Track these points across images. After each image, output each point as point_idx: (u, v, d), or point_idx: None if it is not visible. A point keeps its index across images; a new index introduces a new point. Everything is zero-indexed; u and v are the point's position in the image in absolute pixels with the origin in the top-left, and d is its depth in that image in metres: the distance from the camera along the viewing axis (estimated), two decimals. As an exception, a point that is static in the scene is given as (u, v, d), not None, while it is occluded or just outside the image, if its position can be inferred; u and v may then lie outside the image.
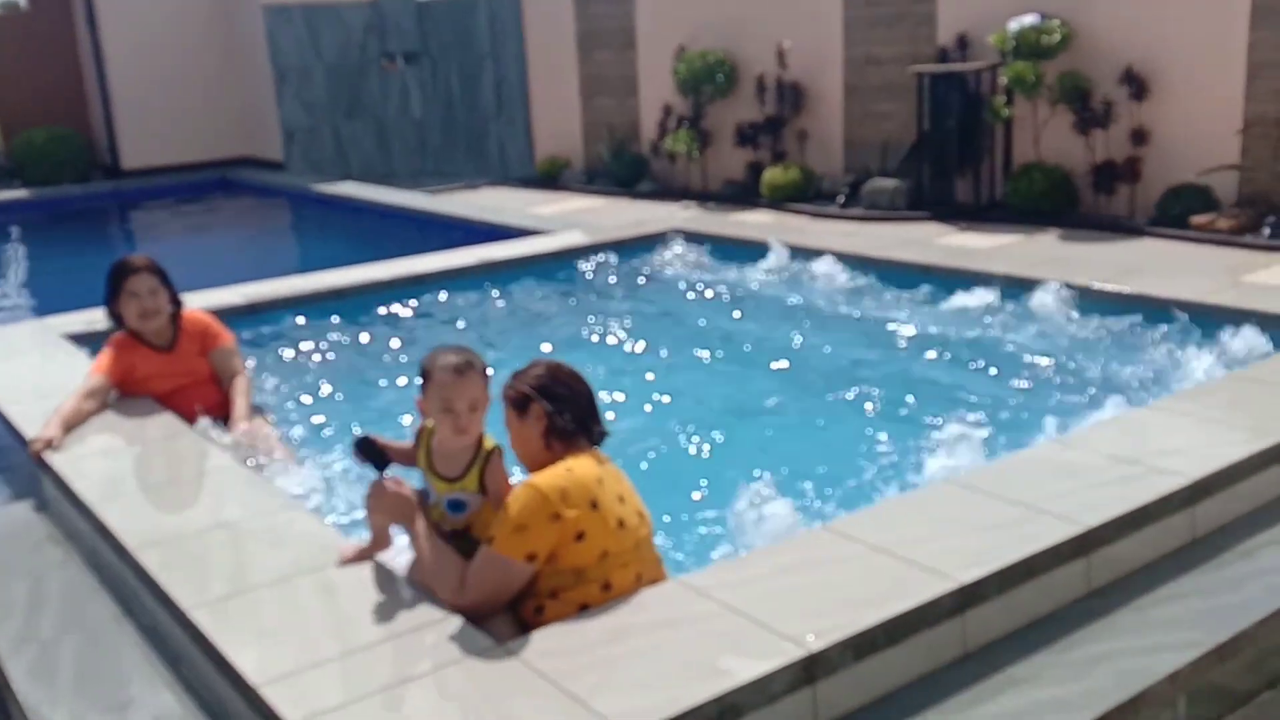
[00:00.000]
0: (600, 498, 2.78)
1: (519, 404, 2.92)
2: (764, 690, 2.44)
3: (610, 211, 10.71)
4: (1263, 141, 8.00)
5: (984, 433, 4.41)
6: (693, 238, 8.13)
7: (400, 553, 3.14)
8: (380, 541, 3.09)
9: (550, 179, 12.98)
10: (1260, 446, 3.53)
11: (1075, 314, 5.80)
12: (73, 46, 15.60)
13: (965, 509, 3.20)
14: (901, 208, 9.55)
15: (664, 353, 6.14)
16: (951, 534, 3.05)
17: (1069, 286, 6.00)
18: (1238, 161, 8.13)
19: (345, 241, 11.50)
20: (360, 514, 3.93)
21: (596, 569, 2.77)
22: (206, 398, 4.70)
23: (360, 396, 5.54)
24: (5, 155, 14.70)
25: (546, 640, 2.63)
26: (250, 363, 5.38)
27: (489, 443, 3.00)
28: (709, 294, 7.16)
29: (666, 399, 5.31)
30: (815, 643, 2.53)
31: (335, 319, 6.66)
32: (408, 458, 3.16)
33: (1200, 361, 4.98)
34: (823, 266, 7.12)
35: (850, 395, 5.21)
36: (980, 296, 6.29)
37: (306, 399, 5.49)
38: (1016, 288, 6.26)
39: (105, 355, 4.66)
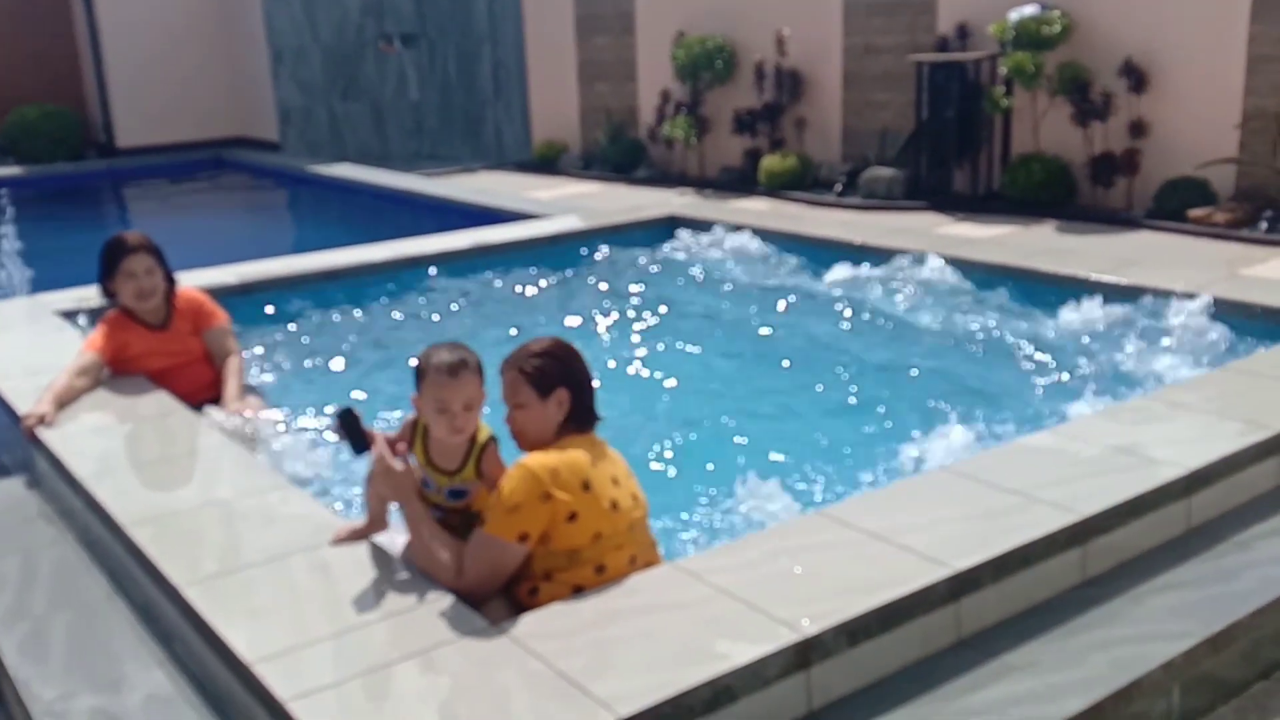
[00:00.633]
0: (593, 479, 2.77)
1: (542, 387, 2.85)
2: (758, 674, 2.43)
3: (607, 197, 10.68)
4: (1261, 135, 8.00)
5: (980, 420, 4.40)
6: (690, 224, 8.11)
7: (395, 532, 3.13)
8: (376, 522, 3.08)
9: (547, 163, 12.94)
10: (1256, 438, 3.53)
11: (1073, 304, 5.79)
12: (68, 23, 15.50)
13: (961, 496, 3.20)
14: (899, 197, 9.54)
15: (660, 337, 6.12)
16: (947, 521, 3.04)
17: (1068, 278, 5.99)
18: (1236, 155, 8.12)
19: (340, 223, 11.46)
20: (352, 495, 3.93)
21: (590, 550, 2.76)
22: (199, 377, 4.68)
23: (353, 377, 5.52)
24: (-2, 131, 14.61)
25: (540, 622, 2.62)
26: (243, 342, 5.36)
27: (484, 433, 2.98)
28: (703, 280, 7.14)
29: (661, 383, 5.31)
30: (810, 627, 2.53)
31: (329, 300, 6.63)
32: (399, 444, 3.14)
33: (1196, 354, 4.98)
34: (817, 253, 7.11)
35: (847, 381, 5.20)
36: (976, 286, 6.28)
37: (299, 379, 5.47)
38: (1013, 277, 6.25)
39: (98, 332, 4.64)
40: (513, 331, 5.98)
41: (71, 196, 13.41)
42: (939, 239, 7.41)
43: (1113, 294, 5.77)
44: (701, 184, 11.21)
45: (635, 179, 11.80)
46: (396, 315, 6.55)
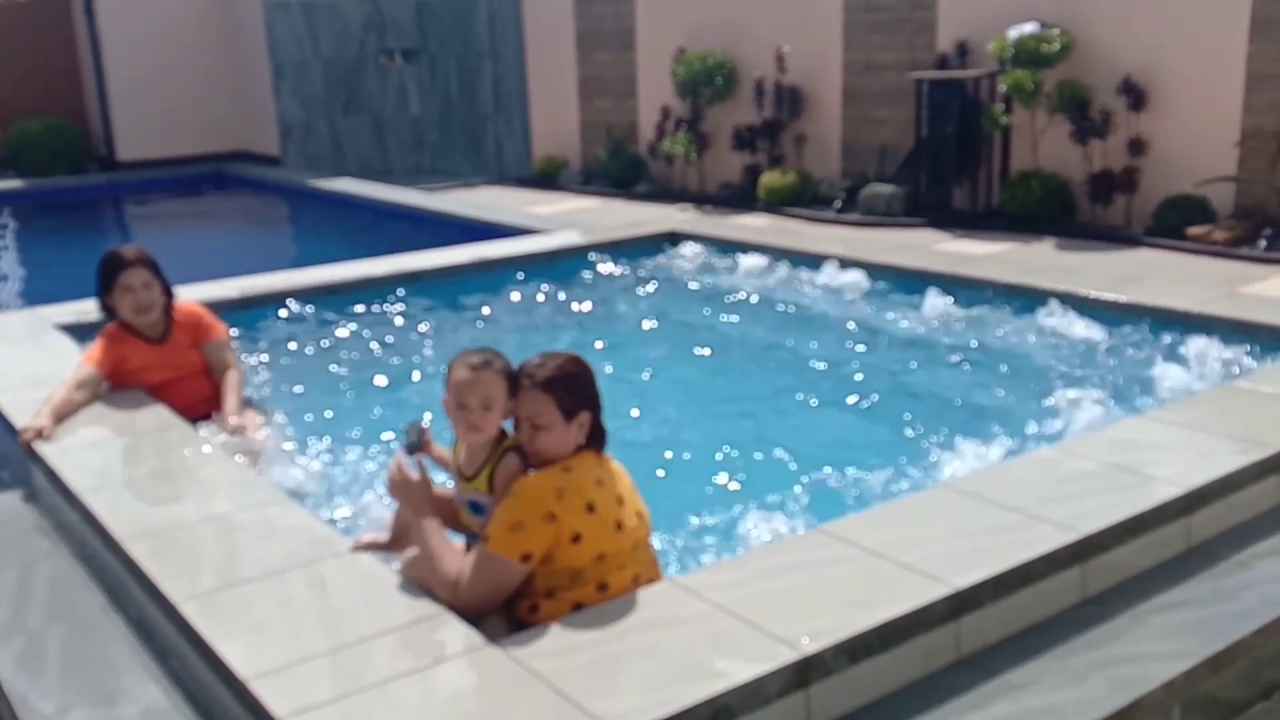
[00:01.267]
0: (597, 500, 2.75)
1: (568, 410, 2.80)
2: (758, 692, 2.42)
3: (607, 212, 10.69)
4: (1260, 154, 8.02)
5: (980, 438, 4.40)
6: (690, 240, 8.12)
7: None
8: (398, 542, 3.07)
9: (547, 179, 12.97)
10: (1256, 457, 3.53)
11: (1073, 322, 5.79)
12: (70, 37, 15.55)
13: (961, 514, 3.19)
14: (898, 214, 9.55)
15: (659, 352, 6.13)
16: (947, 538, 3.03)
17: (1068, 296, 5.99)
18: (1234, 173, 8.14)
19: (340, 237, 11.46)
20: (349, 509, 3.92)
21: (593, 570, 2.74)
22: (198, 390, 4.68)
23: (353, 392, 5.52)
24: (0, 145, 14.64)
25: (540, 639, 2.61)
26: (242, 356, 5.35)
27: (510, 438, 2.97)
28: (705, 295, 7.14)
29: (659, 398, 5.30)
30: (809, 646, 2.52)
31: (329, 314, 6.63)
32: (446, 463, 3.20)
33: (1196, 371, 4.98)
34: (818, 270, 7.11)
35: (846, 398, 5.19)
36: (976, 303, 6.28)
37: (298, 393, 5.46)
38: (1013, 295, 6.25)
39: (97, 346, 4.63)
40: (513, 346, 5.97)
41: (72, 210, 13.43)
42: (938, 256, 7.42)
43: (1112, 311, 5.77)
44: (701, 200, 11.23)
45: (635, 195, 11.82)
46: (397, 329, 6.55)
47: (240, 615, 2.80)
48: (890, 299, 6.62)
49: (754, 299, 6.96)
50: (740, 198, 10.95)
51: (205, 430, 4.37)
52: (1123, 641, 2.84)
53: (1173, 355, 5.20)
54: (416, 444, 3.09)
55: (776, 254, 7.51)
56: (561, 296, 7.16)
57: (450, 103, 14.81)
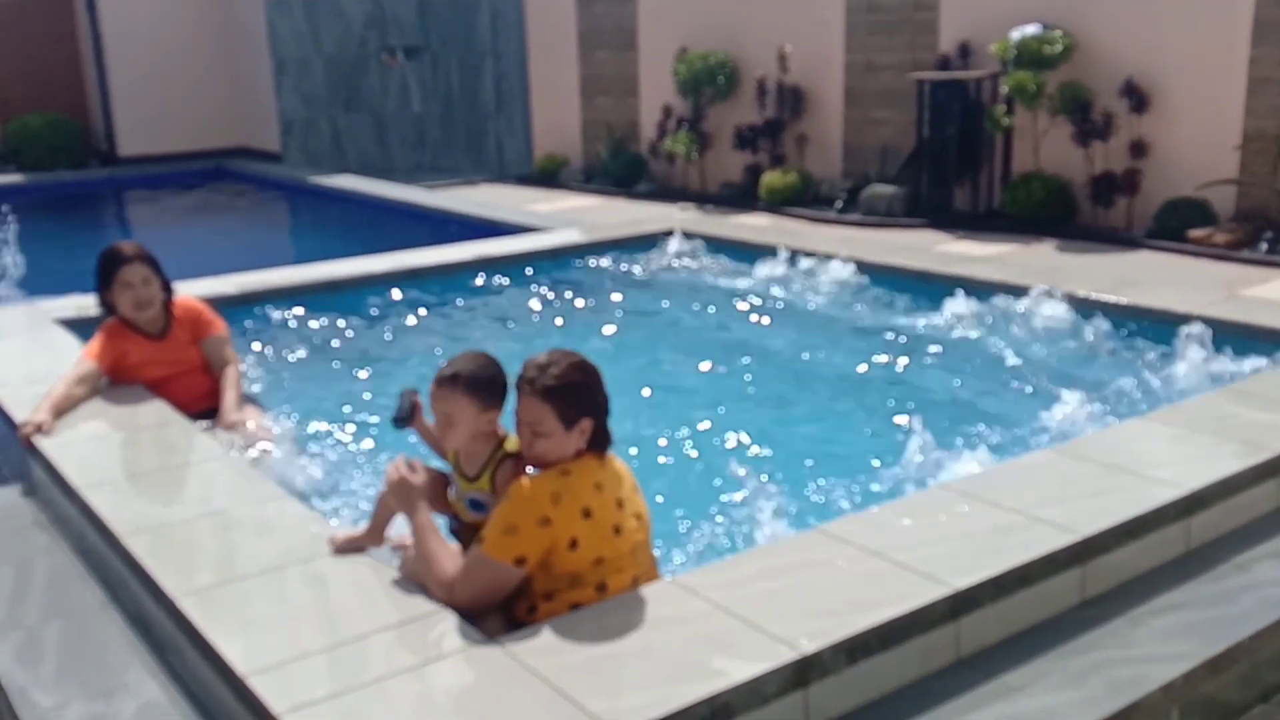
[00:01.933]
0: (594, 506, 2.72)
1: (568, 418, 2.72)
2: (757, 691, 2.42)
3: (607, 211, 10.69)
4: (1261, 157, 8.01)
5: (980, 439, 4.40)
6: (691, 239, 8.11)
7: (393, 543, 3.12)
8: (375, 533, 3.06)
9: (548, 177, 12.96)
10: (1256, 460, 3.53)
11: (1073, 323, 5.79)
12: (71, 31, 15.53)
13: (960, 515, 3.19)
14: (899, 214, 9.55)
15: (659, 352, 6.13)
16: (946, 539, 3.03)
17: (1068, 296, 5.99)
18: (1236, 176, 8.14)
19: (341, 234, 11.46)
20: (348, 506, 3.92)
21: (591, 574, 2.73)
22: (198, 386, 4.67)
23: (352, 388, 5.51)
24: (1, 140, 14.63)
25: (538, 637, 2.60)
26: (241, 352, 5.35)
27: (510, 443, 2.96)
28: (705, 295, 7.14)
29: (658, 397, 5.30)
30: (808, 645, 2.51)
31: (329, 310, 6.62)
32: (435, 443, 3.18)
33: (1197, 374, 4.97)
34: (823, 270, 7.10)
35: (846, 398, 5.19)
36: (977, 304, 6.28)
37: (297, 389, 5.46)
38: (1013, 296, 6.24)
39: (96, 341, 4.62)
40: (515, 344, 5.97)
41: (73, 205, 13.41)
42: (939, 257, 7.42)
43: (1112, 313, 5.76)
44: (702, 199, 11.22)
45: (636, 194, 11.81)
46: (397, 326, 6.54)
47: (238, 611, 2.80)
48: (890, 300, 6.61)
49: (754, 298, 6.96)
50: (741, 197, 10.94)
51: (205, 426, 4.37)
52: (1122, 644, 2.84)
53: (1173, 358, 5.20)
54: (408, 415, 3.13)
55: (777, 253, 7.50)
56: (562, 294, 7.16)
57: (452, 101, 14.81)
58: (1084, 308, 5.87)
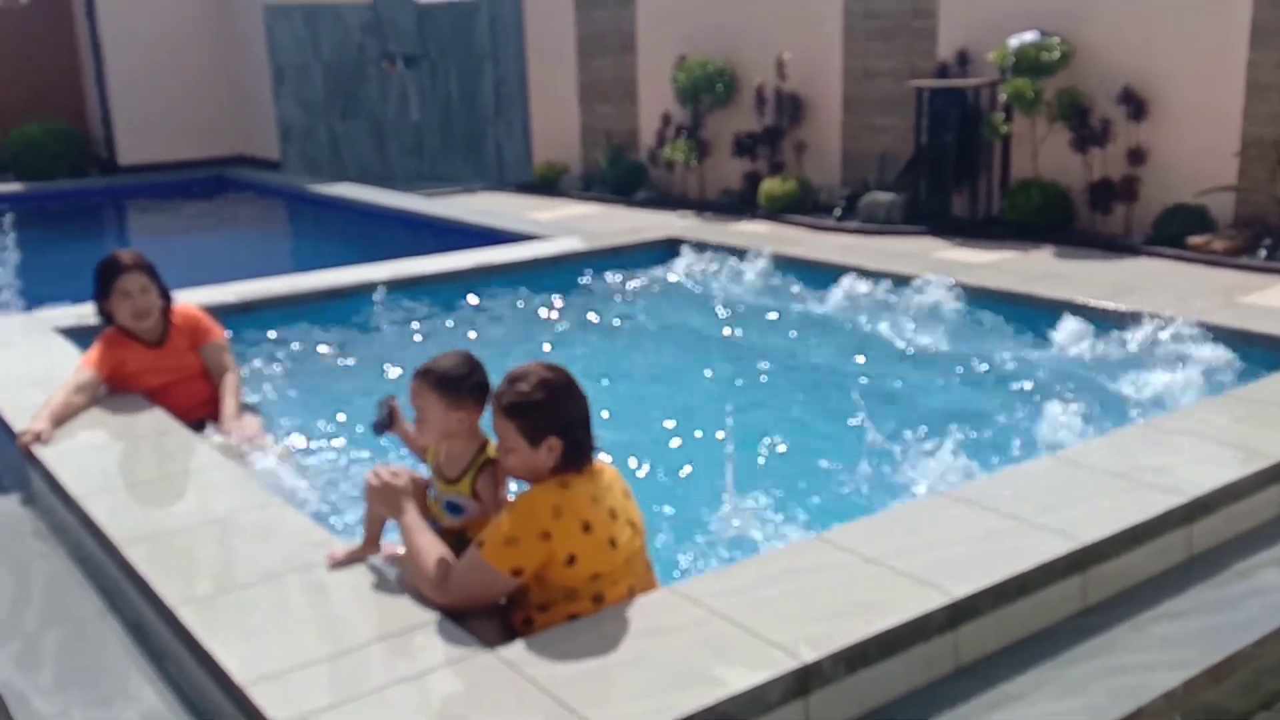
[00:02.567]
0: (593, 519, 2.71)
1: (532, 435, 2.70)
2: (758, 700, 2.41)
3: (607, 218, 10.69)
4: (1260, 163, 8.03)
5: (979, 446, 4.39)
6: (690, 246, 8.11)
7: (386, 555, 3.11)
8: (371, 543, 3.06)
9: (548, 184, 12.97)
10: (1257, 467, 3.52)
11: (1072, 330, 5.78)
12: (71, 39, 15.55)
13: (960, 522, 3.18)
14: (898, 221, 9.55)
15: (658, 359, 6.12)
16: (945, 547, 3.03)
17: (1067, 304, 5.99)
18: (1235, 183, 8.15)
19: (340, 242, 11.46)
20: (350, 515, 3.91)
21: (588, 587, 2.73)
22: (197, 393, 4.67)
23: (351, 396, 5.50)
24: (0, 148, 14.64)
25: (537, 646, 2.60)
26: (240, 360, 5.34)
27: (490, 450, 2.97)
28: (705, 302, 7.14)
29: (657, 405, 5.29)
30: (808, 653, 2.51)
31: (329, 318, 6.62)
32: (416, 447, 3.19)
33: (1197, 380, 4.97)
34: (816, 277, 7.10)
35: (844, 405, 5.18)
36: (974, 311, 6.28)
37: (296, 397, 5.45)
38: (1011, 303, 6.25)
39: (95, 350, 4.62)
40: (513, 352, 5.97)
41: (73, 213, 13.41)
42: (937, 263, 7.41)
43: (1111, 320, 5.76)
44: (701, 207, 11.23)
45: (635, 201, 11.82)
46: (395, 335, 6.54)
47: (237, 620, 2.79)
48: (888, 306, 6.61)
49: (753, 305, 6.96)
50: (740, 205, 10.95)
51: (204, 433, 4.36)
52: (1123, 651, 2.83)
53: (1173, 364, 5.20)
54: (386, 421, 3.20)
55: (776, 261, 7.51)
56: (562, 302, 7.16)
57: (451, 108, 14.82)
58: (1082, 314, 5.86)
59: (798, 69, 10.69)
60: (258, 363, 5.86)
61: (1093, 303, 5.94)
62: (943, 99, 9.36)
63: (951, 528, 3.15)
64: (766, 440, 4.72)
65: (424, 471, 3.16)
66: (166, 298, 4.70)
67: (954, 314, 6.32)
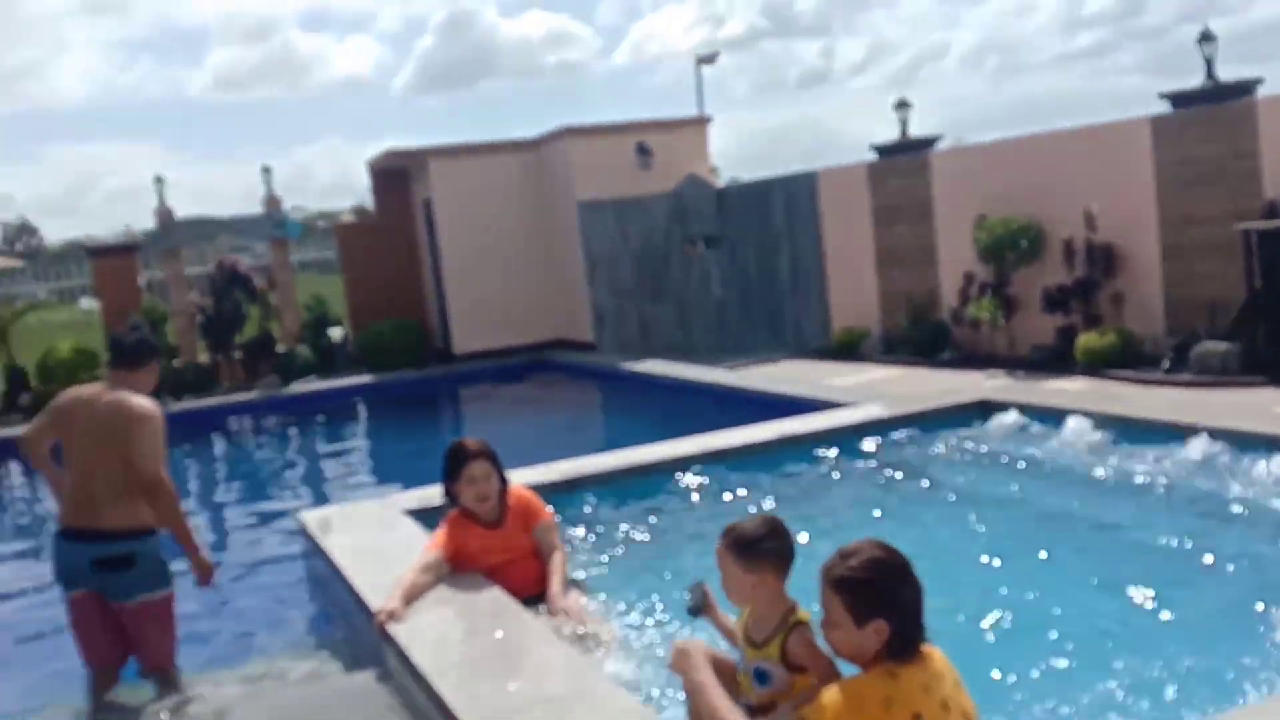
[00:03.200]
0: (925, 711, 2.62)
1: (858, 614, 2.66)
2: None
3: (911, 381, 10.54)
4: None
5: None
6: (1003, 408, 7.82)
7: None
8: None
9: (846, 349, 13.01)
10: None
11: None
12: (413, 249, 17.59)
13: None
14: (1235, 371, 8.82)
15: (978, 531, 5.86)
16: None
17: None
18: None
19: (649, 417, 11.93)
20: (671, 692, 3.96)
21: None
22: (529, 572, 4.93)
23: (663, 571, 5.62)
24: (353, 344, 16.54)
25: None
26: (565, 537, 5.60)
27: (800, 614, 2.98)
28: (1023, 469, 6.80)
29: (981, 581, 5.03)
30: None
31: (642, 494, 6.85)
32: (729, 632, 3.26)
33: None
34: (1151, 437, 6.61)
35: (1192, 587, 4.70)
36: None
37: (619, 572, 5.63)
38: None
39: (441, 532, 5.01)
40: (820, 523, 5.92)
41: (413, 400, 14.84)
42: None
43: None
44: (1011, 364, 10.86)
45: (939, 362, 11.61)
46: (707, 507, 6.66)
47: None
48: (1237, 469, 6.03)
49: (1078, 472, 6.56)
50: (1054, 360, 10.49)
51: (536, 611, 4.59)
52: None
53: None
54: (699, 605, 3.25)
55: (1100, 420, 7.08)
56: (868, 471, 7.07)
57: (750, 283, 15.36)
58: None
59: (1108, 220, 10.30)
60: (580, 539, 6.14)
61: None
62: (1275, 240, 8.69)
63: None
64: (1098, 623, 4.36)
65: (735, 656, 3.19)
66: (504, 481, 5.05)
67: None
